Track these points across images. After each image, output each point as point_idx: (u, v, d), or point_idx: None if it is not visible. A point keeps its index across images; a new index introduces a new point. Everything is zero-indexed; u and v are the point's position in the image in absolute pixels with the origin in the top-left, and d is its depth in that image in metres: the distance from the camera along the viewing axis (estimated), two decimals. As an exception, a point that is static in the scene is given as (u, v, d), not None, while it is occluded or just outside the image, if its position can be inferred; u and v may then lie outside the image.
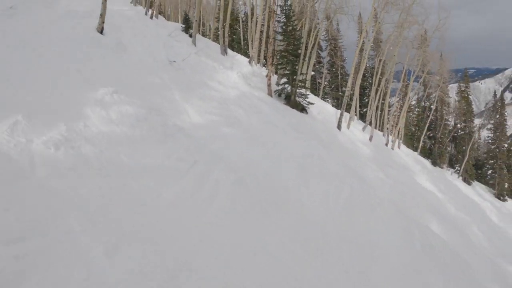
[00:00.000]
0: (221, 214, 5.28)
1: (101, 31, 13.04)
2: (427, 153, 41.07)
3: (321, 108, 24.58)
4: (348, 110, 29.06)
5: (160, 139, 6.56)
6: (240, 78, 17.52)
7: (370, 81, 41.76)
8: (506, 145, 41.15)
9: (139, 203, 4.80)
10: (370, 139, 25.21)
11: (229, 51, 25.09)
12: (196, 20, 20.40)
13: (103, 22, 13.17)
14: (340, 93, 40.78)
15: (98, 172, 5.03)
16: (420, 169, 29.73)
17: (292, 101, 19.77)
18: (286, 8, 19.57)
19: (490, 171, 42.15)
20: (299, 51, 19.92)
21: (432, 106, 40.37)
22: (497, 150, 41.04)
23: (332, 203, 7.56)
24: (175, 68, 14.01)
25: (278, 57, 20.97)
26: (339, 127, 21.74)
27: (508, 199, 41.55)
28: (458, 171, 40.13)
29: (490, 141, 43.02)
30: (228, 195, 5.80)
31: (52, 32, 10.92)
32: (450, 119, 43.94)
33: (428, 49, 32.75)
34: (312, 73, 42.37)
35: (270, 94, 18.96)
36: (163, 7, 55.27)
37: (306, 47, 26.53)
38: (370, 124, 29.11)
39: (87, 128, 5.87)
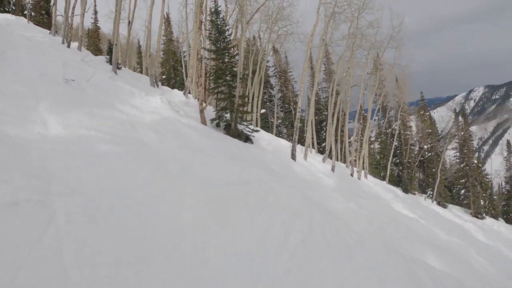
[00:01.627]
0: None
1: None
2: (396, 180, 38.68)
3: (272, 141, 21.54)
4: (303, 143, 26.47)
5: None
6: (165, 104, 14.10)
7: (326, 113, 39.98)
8: (475, 161, 39.41)
9: None
10: (333, 169, 22.16)
11: (165, 88, 21.90)
12: (115, 44, 17.20)
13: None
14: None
15: None
16: (393, 197, 27.01)
17: (233, 130, 16.55)
18: (219, 21, 16.72)
19: (463, 191, 39.99)
20: (235, 69, 16.87)
21: (394, 131, 38.53)
22: (467, 167, 39.09)
23: (273, 251, 4.04)
24: (72, 88, 10.52)
25: (210, 78, 17.93)
26: (293, 157, 18.54)
27: (486, 216, 39.55)
28: (431, 196, 37.74)
29: (457, 160, 41.22)
30: None
31: None
32: (415, 143, 42.04)
33: (383, 72, 31.11)
34: (263, 110, 39.95)
35: (203, 122, 15.64)
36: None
37: (250, 69, 23.92)
38: (330, 154, 26.21)
39: None
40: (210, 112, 18.04)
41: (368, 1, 21.48)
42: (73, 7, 20.56)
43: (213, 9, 17.24)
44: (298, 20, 25.19)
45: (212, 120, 16.58)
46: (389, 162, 35.33)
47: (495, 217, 42.88)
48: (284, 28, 25.78)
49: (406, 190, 35.38)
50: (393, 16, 26.85)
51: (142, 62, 42.49)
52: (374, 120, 40.26)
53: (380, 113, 40.03)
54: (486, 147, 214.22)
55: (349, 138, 33.13)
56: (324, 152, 28.95)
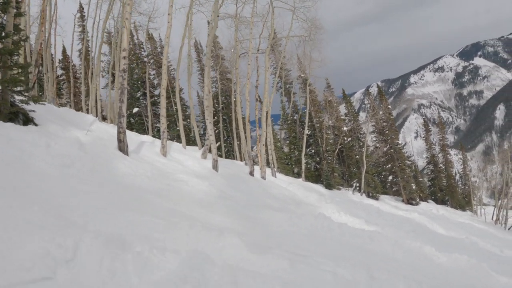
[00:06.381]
0: None
1: None
2: (314, 176, 31.14)
3: (106, 130, 11.79)
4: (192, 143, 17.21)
5: None
6: None
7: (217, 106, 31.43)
8: (399, 141, 33.66)
9: None
10: (215, 167, 13.10)
11: None
12: None
13: None
14: (178, 128, 28.46)
15: None
16: (318, 198, 18.86)
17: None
18: None
19: (390, 177, 33.90)
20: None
21: (303, 115, 30.94)
22: (392, 150, 33.04)
23: None
24: None
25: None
26: (122, 149, 9.13)
27: (419, 201, 34.19)
28: (358, 188, 30.84)
29: (378, 144, 35.12)
30: None
31: None
32: (329, 129, 34.77)
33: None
34: (137, 109, 29.75)
35: None
36: None
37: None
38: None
39: None
40: None
41: None
42: None
43: None
44: None
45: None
46: (303, 154, 27.41)
47: (424, 199, 38.18)
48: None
49: (329, 186, 27.89)
50: None
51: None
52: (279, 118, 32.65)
53: (283, 96, 32.34)
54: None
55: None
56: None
